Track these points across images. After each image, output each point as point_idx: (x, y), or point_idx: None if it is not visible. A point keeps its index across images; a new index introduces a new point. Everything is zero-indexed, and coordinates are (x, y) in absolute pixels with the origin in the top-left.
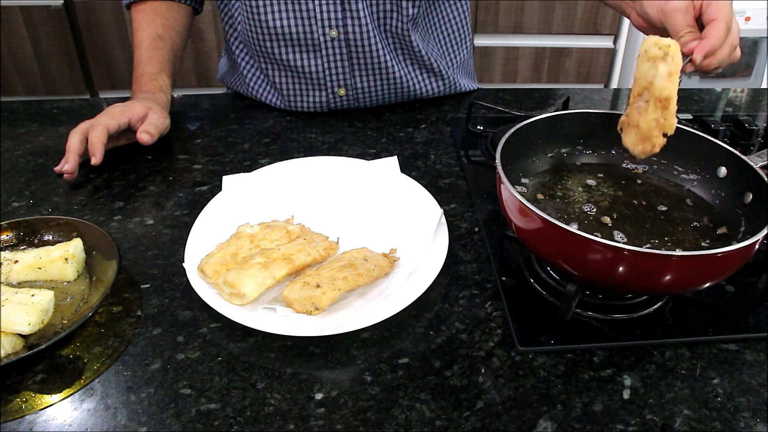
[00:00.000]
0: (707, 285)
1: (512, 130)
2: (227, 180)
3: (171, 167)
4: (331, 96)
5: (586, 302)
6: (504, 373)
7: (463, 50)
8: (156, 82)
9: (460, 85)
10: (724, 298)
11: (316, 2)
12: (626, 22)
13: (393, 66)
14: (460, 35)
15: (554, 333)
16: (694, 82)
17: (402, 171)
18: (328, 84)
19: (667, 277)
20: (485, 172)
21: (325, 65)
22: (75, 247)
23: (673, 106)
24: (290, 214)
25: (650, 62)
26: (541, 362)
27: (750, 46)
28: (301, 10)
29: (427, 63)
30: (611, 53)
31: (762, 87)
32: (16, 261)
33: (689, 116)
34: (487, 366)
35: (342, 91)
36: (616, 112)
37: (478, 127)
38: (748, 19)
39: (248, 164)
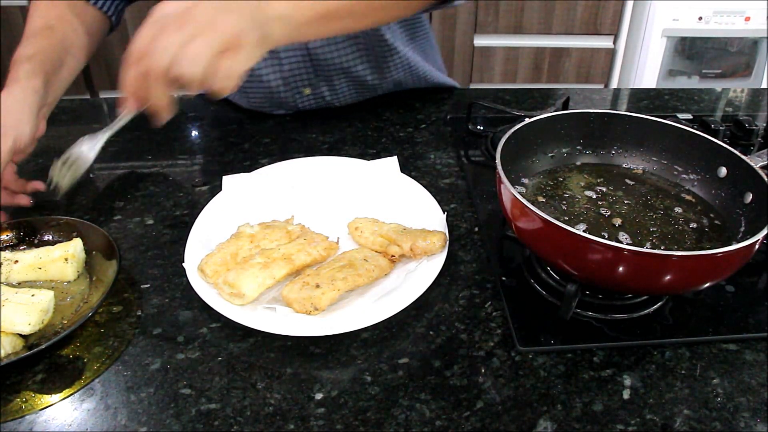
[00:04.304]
0: (707, 285)
1: (512, 130)
2: (227, 180)
3: (171, 167)
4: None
5: (586, 302)
6: (504, 373)
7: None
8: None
9: (430, 74)
10: (724, 298)
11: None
12: (626, 21)
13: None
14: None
15: (554, 333)
16: (695, 83)
17: (402, 171)
18: (289, 96)
19: (667, 277)
20: (485, 172)
21: (290, 84)
22: (75, 247)
23: None
24: (290, 214)
25: None
26: (541, 362)
27: (750, 46)
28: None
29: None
30: (611, 53)
31: (762, 87)
32: (16, 261)
33: (689, 116)
34: (487, 366)
35: (307, 90)
36: (616, 111)
37: (478, 127)
38: (748, 19)
39: (248, 164)
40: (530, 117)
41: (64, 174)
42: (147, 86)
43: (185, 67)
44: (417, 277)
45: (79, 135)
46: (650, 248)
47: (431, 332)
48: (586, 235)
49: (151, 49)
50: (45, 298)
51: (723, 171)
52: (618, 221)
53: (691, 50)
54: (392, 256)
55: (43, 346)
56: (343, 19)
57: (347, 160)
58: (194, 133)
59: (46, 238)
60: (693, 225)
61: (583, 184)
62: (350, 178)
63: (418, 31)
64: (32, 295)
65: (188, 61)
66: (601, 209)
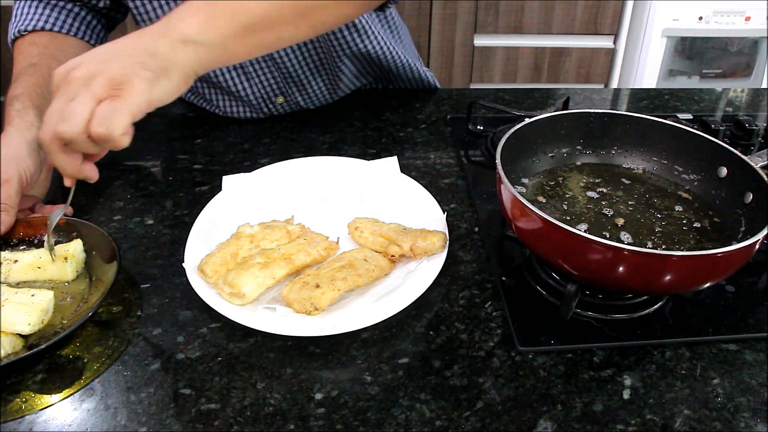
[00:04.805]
0: (707, 285)
1: (512, 130)
2: (227, 180)
3: (171, 167)
4: (271, 107)
5: (586, 302)
6: (504, 373)
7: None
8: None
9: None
10: (724, 298)
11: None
12: (626, 22)
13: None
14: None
15: (554, 333)
16: (695, 83)
17: (402, 171)
18: (263, 105)
19: (667, 277)
20: (485, 172)
21: (262, 92)
22: (75, 247)
23: None
24: (290, 214)
25: None
26: (541, 362)
27: (750, 46)
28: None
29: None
30: (611, 53)
31: (762, 87)
32: (16, 261)
33: (689, 116)
34: (487, 366)
35: (281, 99)
36: (616, 111)
37: (478, 127)
38: (748, 19)
39: (248, 164)
40: (530, 117)
41: (53, 244)
42: (50, 158)
43: (62, 125)
44: (417, 277)
45: None
46: (650, 248)
47: (431, 332)
48: (586, 234)
49: (42, 121)
50: (45, 298)
51: (723, 171)
52: (618, 221)
53: (691, 50)
54: (392, 256)
55: (43, 346)
56: (274, 29)
57: (347, 160)
58: (194, 133)
59: (46, 238)
60: (693, 225)
61: (583, 184)
62: (350, 178)
63: (388, 21)
64: (32, 295)
65: (64, 118)
66: (601, 209)
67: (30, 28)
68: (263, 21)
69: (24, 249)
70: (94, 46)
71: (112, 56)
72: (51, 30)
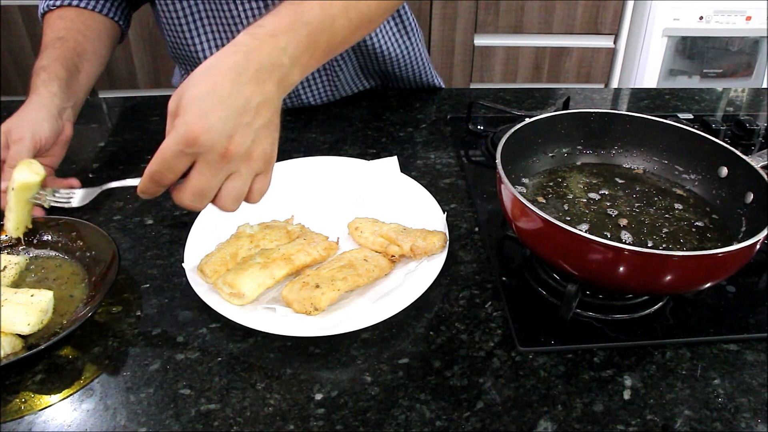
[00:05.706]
0: (708, 285)
1: (512, 130)
2: None
3: None
4: None
5: (587, 302)
6: (504, 374)
7: (415, 46)
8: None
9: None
10: (724, 299)
11: None
12: (627, 21)
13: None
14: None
15: (554, 333)
16: (696, 82)
17: (402, 171)
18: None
19: (668, 278)
20: (485, 172)
21: None
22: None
23: None
24: (290, 214)
25: None
26: (542, 362)
27: (750, 46)
28: None
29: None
30: (611, 53)
31: (763, 87)
32: (5, 267)
33: (690, 116)
34: (487, 366)
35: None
36: (616, 111)
37: (478, 127)
38: (748, 18)
39: None
40: (530, 117)
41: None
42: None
43: (234, 205)
44: (417, 277)
45: (80, 134)
46: (651, 248)
47: (431, 332)
48: (586, 234)
49: (191, 188)
50: (44, 298)
51: (724, 171)
52: (619, 221)
53: (691, 50)
54: (392, 256)
55: (43, 347)
56: (343, 45)
57: (347, 160)
58: None
59: (45, 238)
60: (694, 225)
61: (583, 184)
62: (350, 178)
63: (404, 23)
64: (32, 296)
65: (237, 198)
66: (601, 209)
67: (58, 3)
68: (342, 41)
69: (24, 249)
70: (118, 23)
71: (252, 115)
72: (78, 6)
